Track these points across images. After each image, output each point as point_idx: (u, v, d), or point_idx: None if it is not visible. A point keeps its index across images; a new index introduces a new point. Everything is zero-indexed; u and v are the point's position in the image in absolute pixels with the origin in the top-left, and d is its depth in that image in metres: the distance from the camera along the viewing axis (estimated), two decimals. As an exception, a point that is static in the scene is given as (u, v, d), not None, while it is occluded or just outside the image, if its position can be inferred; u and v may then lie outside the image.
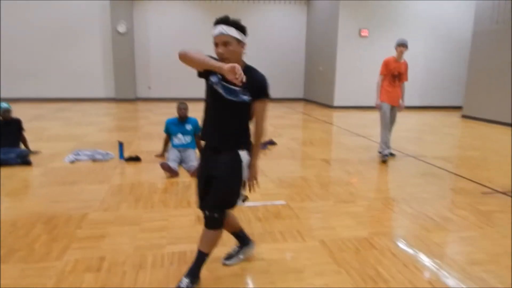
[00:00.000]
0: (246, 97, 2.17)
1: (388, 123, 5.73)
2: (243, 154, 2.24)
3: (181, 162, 5.11)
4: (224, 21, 2.13)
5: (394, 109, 5.74)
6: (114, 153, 5.63)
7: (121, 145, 5.47)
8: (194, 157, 5.13)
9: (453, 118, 11.31)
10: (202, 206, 2.32)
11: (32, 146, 5.69)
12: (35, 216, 3.35)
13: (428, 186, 4.56)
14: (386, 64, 5.62)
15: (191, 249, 2.77)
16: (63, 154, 5.63)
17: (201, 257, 2.31)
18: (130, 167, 5.10)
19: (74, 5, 13.52)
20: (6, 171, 4.75)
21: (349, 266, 2.58)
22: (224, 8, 14.60)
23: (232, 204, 2.29)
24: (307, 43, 15.51)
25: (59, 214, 3.41)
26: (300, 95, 16.02)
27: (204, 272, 2.38)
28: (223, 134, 2.24)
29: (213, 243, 2.31)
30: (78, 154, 5.45)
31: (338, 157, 5.88)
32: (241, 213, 3.49)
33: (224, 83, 2.16)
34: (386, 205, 3.85)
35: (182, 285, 2.22)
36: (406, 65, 5.72)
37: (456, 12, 13.10)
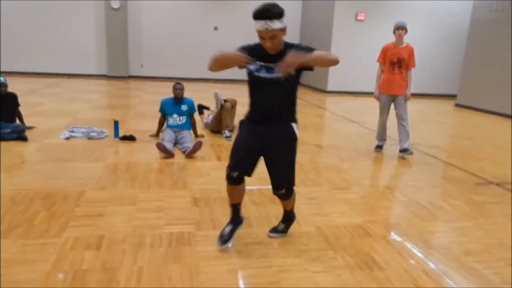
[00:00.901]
0: (292, 71, 2.25)
1: (386, 118, 5.39)
2: (295, 127, 2.47)
3: (175, 143, 5.11)
4: (267, 14, 2.18)
5: (398, 99, 5.23)
6: (109, 131, 5.60)
7: (116, 123, 5.44)
8: (189, 138, 5.14)
9: (447, 106, 11.43)
10: (236, 169, 2.48)
11: (25, 121, 5.62)
12: (33, 192, 3.36)
13: (421, 174, 4.66)
14: (383, 51, 5.26)
15: (188, 231, 2.83)
16: (58, 130, 5.58)
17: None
18: (125, 146, 5.09)
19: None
20: (2, 146, 4.70)
21: (344, 253, 2.65)
22: (220, -12, 14.35)
23: (291, 179, 2.54)
24: (302, 25, 15.37)
25: (56, 191, 3.42)
26: (294, 79, 16.00)
27: (197, 253, 2.42)
28: (277, 109, 2.41)
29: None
30: (73, 131, 5.41)
31: (332, 143, 5.95)
32: (237, 196, 3.54)
33: (269, 65, 2.30)
34: (380, 192, 3.93)
35: (225, 233, 2.60)
36: (410, 50, 5.23)
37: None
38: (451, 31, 13.31)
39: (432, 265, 2.56)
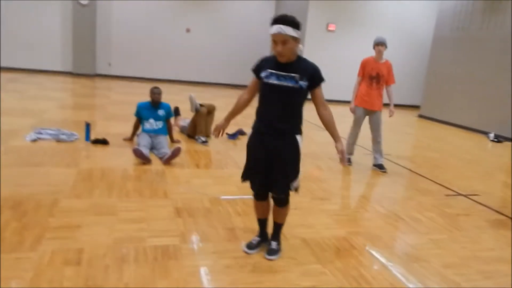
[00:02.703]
0: (303, 83, 2.39)
1: (358, 131, 5.37)
2: (299, 139, 2.53)
3: (152, 148, 4.95)
4: (283, 21, 2.30)
5: (375, 114, 5.24)
6: (79, 133, 5.35)
7: (88, 126, 5.19)
8: (165, 143, 5.00)
9: (410, 117, 11.85)
10: (257, 183, 2.63)
11: (-14, 120, 5.27)
12: (1, 200, 3.12)
13: (395, 185, 4.77)
14: (363, 65, 5.23)
15: (173, 243, 2.72)
16: (23, 131, 5.26)
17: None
18: (98, 150, 4.87)
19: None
20: (-40, 147, 4.37)
21: (332, 267, 2.64)
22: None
23: (294, 184, 2.56)
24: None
25: (27, 199, 3.20)
26: (265, 85, 16.05)
27: (185, 267, 2.33)
28: (281, 119, 2.46)
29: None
30: (41, 133, 5.11)
31: (308, 151, 5.97)
32: (220, 207, 3.47)
33: (279, 73, 2.39)
34: (359, 203, 3.99)
35: (253, 241, 2.74)
36: (389, 66, 5.28)
37: (421, 15, 13.64)
38: (416, 45, 13.86)
39: (415, 279, 2.61)
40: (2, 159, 4.17)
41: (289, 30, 2.29)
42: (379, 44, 5.17)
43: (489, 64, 9.73)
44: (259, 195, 2.68)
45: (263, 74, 2.45)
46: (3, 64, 12.57)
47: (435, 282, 2.59)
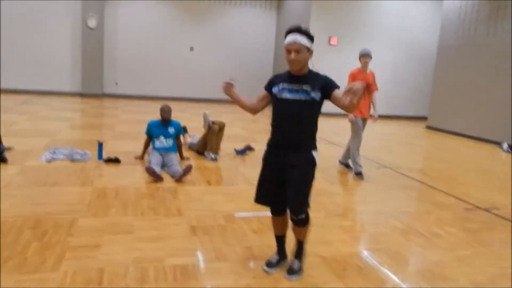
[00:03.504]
0: (315, 95, 2.40)
1: (360, 139, 5.57)
2: (315, 154, 2.53)
3: (163, 165, 5.00)
4: (298, 30, 2.38)
5: (365, 121, 5.60)
6: (91, 152, 5.42)
7: (100, 145, 5.27)
8: (176, 161, 5.05)
9: (418, 128, 11.83)
10: (272, 204, 2.65)
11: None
12: (20, 220, 3.17)
13: (411, 200, 4.76)
14: (352, 77, 5.40)
15: (192, 263, 2.74)
16: (38, 151, 5.34)
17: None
18: (110, 169, 4.93)
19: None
20: (-23, 168, 4.45)
21: (354, 284, 2.63)
22: (195, 8, 14.49)
23: (304, 205, 2.53)
24: (277, 48, 15.66)
25: (45, 218, 3.24)
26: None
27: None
28: (296, 134, 2.46)
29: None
30: (55, 153, 5.19)
31: (318, 165, 5.98)
32: (234, 224, 3.48)
33: (291, 87, 2.43)
34: (375, 219, 3.95)
35: (273, 260, 2.73)
36: (373, 75, 5.58)
37: (423, 25, 13.77)
38: (420, 55, 13.95)
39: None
40: (20, 179, 4.23)
41: (303, 40, 2.35)
42: (366, 56, 5.40)
43: (497, 71, 9.63)
44: (276, 210, 2.68)
45: (275, 90, 2.49)
46: (16, 87, 12.81)
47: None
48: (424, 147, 9.18)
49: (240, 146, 6.51)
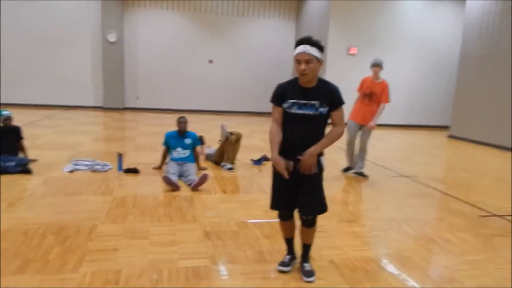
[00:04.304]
0: (323, 109, 2.52)
1: (352, 139, 5.79)
2: (322, 160, 2.66)
3: (180, 175, 5.15)
4: (308, 41, 2.43)
5: (364, 129, 5.71)
6: (112, 163, 5.63)
7: (120, 156, 5.47)
8: (193, 171, 5.19)
9: (440, 138, 11.67)
10: (287, 207, 2.75)
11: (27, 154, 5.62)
12: (44, 226, 3.35)
13: (426, 207, 4.74)
14: (362, 83, 5.77)
15: (204, 265, 2.84)
16: (61, 163, 5.59)
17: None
18: (130, 179, 5.11)
19: (65, 12, 13.45)
20: (6, 179, 4.70)
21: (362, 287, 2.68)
22: (214, 21, 14.80)
23: (321, 205, 2.69)
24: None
25: (67, 225, 3.42)
26: (288, 111, 16.23)
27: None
28: (304, 144, 2.54)
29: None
30: (77, 164, 5.42)
31: (333, 174, 6.03)
32: (247, 230, 3.57)
33: (300, 102, 2.52)
34: (387, 225, 3.97)
35: (286, 259, 2.85)
36: (384, 85, 5.60)
37: (444, 33, 13.60)
38: (441, 64, 13.76)
39: (446, 298, 2.60)
40: (43, 189, 4.45)
41: (313, 51, 2.42)
42: (375, 66, 5.63)
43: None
44: (285, 216, 2.79)
45: (285, 105, 2.56)
46: (41, 102, 13.39)
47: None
48: (444, 156, 9.06)
49: (257, 156, 6.62)
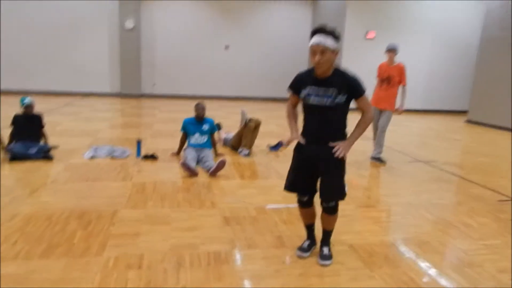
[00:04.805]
0: (340, 100, 2.46)
1: (375, 126, 5.82)
2: None
3: (198, 161, 5.18)
4: (322, 31, 2.37)
5: (384, 113, 5.74)
6: (131, 150, 5.69)
7: (139, 143, 5.52)
8: (211, 157, 5.21)
9: (458, 123, 11.45)
10: (295, 189, 2.76)
11: (48, 141, 5.72)
12: (67, 211, 3.42)
13: (444, 192, 4.67)
14: (379, 68, 5.85)
15: (224, 250, 2.86)
16: (81, 149, 5.68)
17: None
18: (148, 165, 5.16)
19: (84, 2, 13.52)
20: (30, 165, 4.81)
21: (381, 271, 2.67)
22: (230, 7, 14.67)
23: (342, 191, 2.66)
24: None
25: (89, 210, 3.48)
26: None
27: (238, 272, 2.45)
28: (324, 133, 2.55)
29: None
30: (96, 151, 5.50)
31: (350, 159, 5.93)
32: (266, 215, 3.58)
33: (316, 92, 2.48)
34: (406, 210, 3.94)
35: (304, 245, 2.85)
36: (400, 68, 5.67)
37: (464, 17, 13.24)
38: (460, 48, 13.44)
39: (468, 284, 2.57)
40: (65, 175, 4.54)
41: (328, 41, 2.37)
42: (390, 51, 5.69)
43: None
44: (304, 202, 2.78)
45: (303, 94, 2.55)
46: (59, 89, 13.59)
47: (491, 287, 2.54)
48: (462, 141, 8.87)
49: (274, 142, 6.60)
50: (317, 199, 2.76)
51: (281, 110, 12.50)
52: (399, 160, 6.09)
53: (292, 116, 2.76)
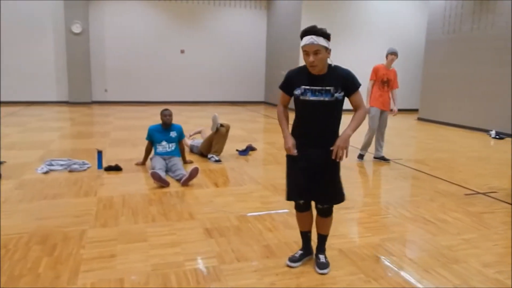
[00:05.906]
0: (339, 95, 2.40)
1: (376, 127, 5.95)
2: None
3: (167, 170, 4.90)
4: (314, 31, 2.30)
5: (385, 113, 5.96)
6: (90, 161, 5.28)
7: (100, 153, 5.13)
8: (181, 165, 4.96)
9: (410, 120, 11.93)
10: (305, 197, 2.61)
11: (-5, 155, 5.19)
12: (26, 236, 3.04)
13: (414, 189, 4.76)
14: (375, 71, 5.90)
15: (212, 265, 2.66)
16: (33, 164, 5.19)
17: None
18: (112, 177, 4.80)
19: (25, 2, 12.57)
20: (-26, 184, 4.29)
21: (376, 275, 2.60)
22: (183, 10, 14.34)
23: (340, 195, 2.60)
24: (268, 47, 15.63)
25: (52, 232, 3.12)
26: (261, 98, 16.08)
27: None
28: (321, 132, 2.47)
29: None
30: (52, 164, 5.04)
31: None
32: (249, 224, 3.41)
33: (314, 88, 2.40)
34: (384, 209, 3.95)
35: (296, 255, 2.70)
36: (395, 72, 5.99)
37: (411, 22, 13.89)
38: (409, 51, 14.02)
39: (459, 281, 2.56)
40: (18, 194, 4.08)
41: (320, 40, 2.31)
42: (393, 54, 5.91)
43: (483, 63, 9.88)
44: (301, 207, 2.65)
45: (297, 92, 2.45)
46: (2, 99, 12.52)
47: (480, 282, 2.55)
48: (419, 138, 9.22)
49: (242, 146, 6.44)
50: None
51: (240, 113, 12.38)
52: (366, 159, 6.17)
53: (285, 119, 2.63)
